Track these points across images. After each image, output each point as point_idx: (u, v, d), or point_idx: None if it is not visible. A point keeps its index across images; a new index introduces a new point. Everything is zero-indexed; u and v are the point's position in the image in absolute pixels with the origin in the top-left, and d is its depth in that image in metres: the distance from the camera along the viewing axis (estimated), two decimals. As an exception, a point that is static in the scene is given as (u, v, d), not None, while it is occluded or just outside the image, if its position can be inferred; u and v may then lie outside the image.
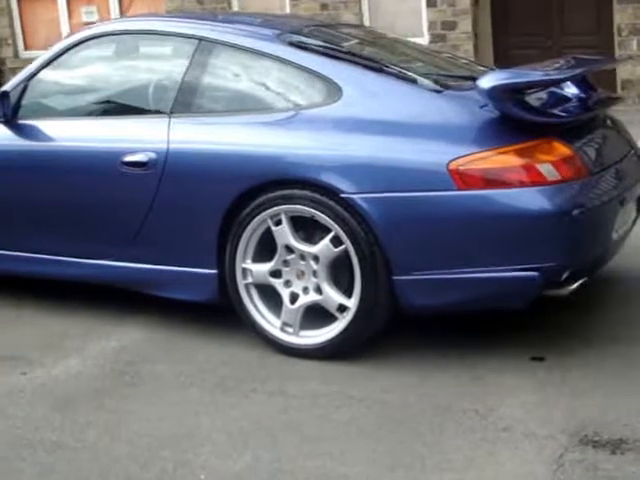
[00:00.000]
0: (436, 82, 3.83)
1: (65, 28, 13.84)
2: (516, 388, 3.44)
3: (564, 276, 3.55)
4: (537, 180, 3.43)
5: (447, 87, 3.80)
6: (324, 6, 12.85)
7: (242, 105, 3.98)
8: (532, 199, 3.42)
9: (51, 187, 4.29)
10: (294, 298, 3.77)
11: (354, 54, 4.04)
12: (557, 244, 3.47)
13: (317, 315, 3.75)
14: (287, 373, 3.66)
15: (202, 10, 12.99)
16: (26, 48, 14.43)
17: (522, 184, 3.43)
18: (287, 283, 3.78)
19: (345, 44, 4.24)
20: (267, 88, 3.98)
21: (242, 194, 3.75)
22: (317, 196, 3.61)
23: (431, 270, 3.54)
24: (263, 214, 3.73)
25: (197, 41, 4.10)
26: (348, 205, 3.56)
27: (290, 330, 3.79)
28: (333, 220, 3.60)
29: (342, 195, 3.57)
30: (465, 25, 11.96)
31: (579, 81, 4.23)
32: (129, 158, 4.01)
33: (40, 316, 4.44)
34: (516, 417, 3.21)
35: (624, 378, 3.47)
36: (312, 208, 3.63)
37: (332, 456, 2.99)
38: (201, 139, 3.93)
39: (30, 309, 4.55)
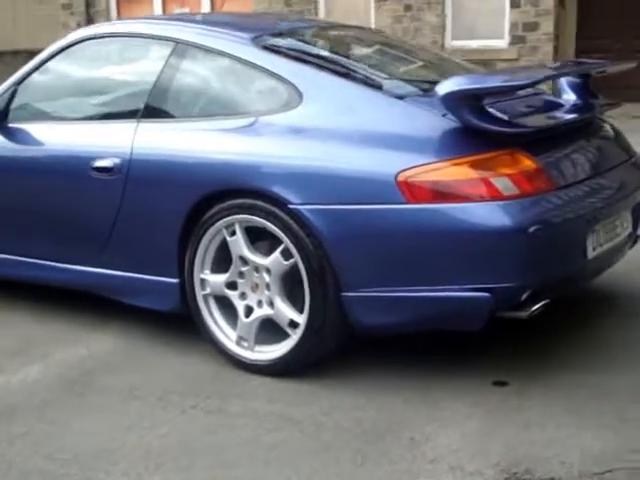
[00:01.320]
0: (407, 88, 3.65)
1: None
2: (465, 415, 3.23)
3: (523, 297, 3.30)
4: (491, 194, 3.21)
5: (418, 94, 3.61)
6: (408, 7, 12.64)
7: (207, 110, 3.87)
8: (484, 215, 3.19)
9: (31, 190, 4.28)
10: (249, 311, 3.64)
11: (325, 58, 3.88)
12: (511, 263, 3.23)
13: (276, 330, 3.61)
14: (236, 390, 3.53)
15: (289, 11, 12.99)
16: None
17: (474, 198, 3.21)
18: (242, 295, 3.65)
19: (324, 48, 4.09)
20: (234, 93, 3.86)
21: (199, 202, 3.64)
22: (268, 206, 3.47)
23: (380, 287, 3.35)
24: (218, 224, 3.62)
25: (174, 44, 4.02)
26: (296, 217, 3.40)
27: (245, 344, 3.66)
28: (283, 232, 3.46)
29: (290, 206, 3.41)
30: (547, 26, 11.58)
31: (578, 87, 3.97)
32: (97, 163, 3.96)
33: (14, 321, 4.43)
34: (451, 447, 3.01)
35: (584, 411, 3.22)
36: (263, 219, 3.50)
37: (240, 483, 2.86)
38: (162, 145, 3.83)
39: (5, 313, 4.54)
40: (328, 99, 3.59)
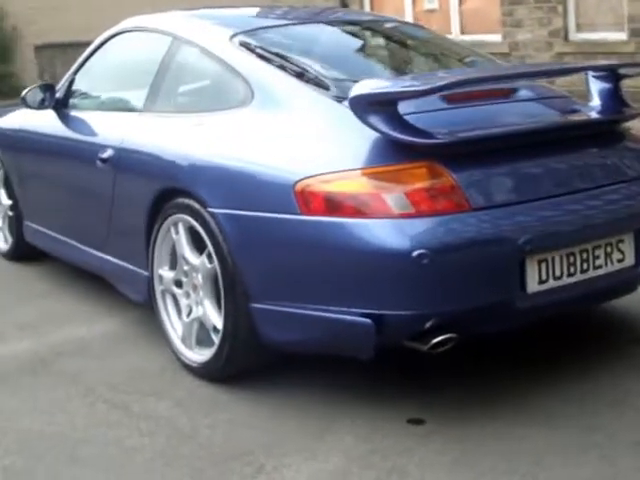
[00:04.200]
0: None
1: (409, 16, 14.03)
2: (329, 453, 2.96)
3: (425, 327, 2.96)
4: (380, 211, 2.91)
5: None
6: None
7: (179, 106, 3.94)
8: (368, 233, 2.90)
9: (62, 174, 4.53)
10: (190, 311, 3.59)
11: (290, 58, 3.69)
12: (402, 289, 2.91)
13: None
14: (162, 390, 3.49)
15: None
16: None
17: (365, 214, 2.93)
18: (187, 294, 3.60)
19: (302, 46, 3.89)
20: (203, 90, 3.87)
21: (156, 198, 3.65)
22: (196, 208, 3.40)
23: (279, 301, 3.16)
24: (167, 221, 3.61)
25: (172, 39, 4.04)
26: (215, 220, 3.30)
27: (187, 343, 3.62)
28: (206, 234, 3.37)
29: (209, 209, 3.32)
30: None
31: (607, 91, 3.50)
32: (100, 154, 4.08)
33: (44, 297, 4.70)
34: (290, 482, 2.79)
35: (460, 465, 2.84)
36: (193, 219, 3.43)
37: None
38: (140, 139, 3.88)
39: (40, 289, 4.84)
40: (271, 100, 3.44)
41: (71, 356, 3.89)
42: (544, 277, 3.09)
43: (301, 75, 3.50)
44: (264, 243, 3.17)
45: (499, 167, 3.11)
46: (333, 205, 2.97)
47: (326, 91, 3.38)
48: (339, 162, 3.05)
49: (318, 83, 3.44)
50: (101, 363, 3.79)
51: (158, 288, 3.74)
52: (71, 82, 4.69)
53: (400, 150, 3.01)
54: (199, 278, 3.46)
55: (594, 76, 3.66)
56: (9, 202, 5.27)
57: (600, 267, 3.24)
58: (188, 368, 3.59)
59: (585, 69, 3.76)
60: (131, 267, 3.94)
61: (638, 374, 3.41)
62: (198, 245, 3.47)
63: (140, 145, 3.83)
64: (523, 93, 3.62)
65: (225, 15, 4.32)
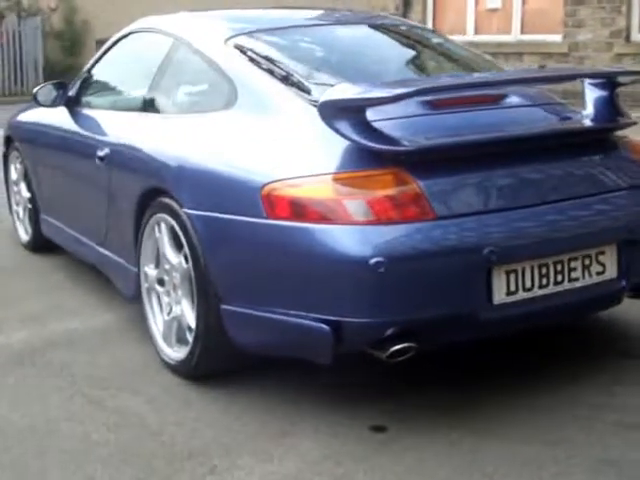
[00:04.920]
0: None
1: (470, 15, 13.92)
2: (281, 454, 2.97)
3: (385, 335, 2.95)
4: (341, 218, 2.91)
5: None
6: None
7: (174, 106, 3.97)
8: (327, 239, 2.91)
9: (70, 171, 4.61)
10: (171, 309, 3.63)
11: (278, 61, 3.68)
12: (358, 297, 2.90)
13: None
14: (139, 386, 3.52)
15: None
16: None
17: (324, 220, 2.93)
18: (168, 293, 3.64)
19: (296, 48, 3.89)
20: (194, 90, 3.89)
21: (141, 198, 3.71)
22: (175, 208, 3.44)
23: (246, 303, 3.18)
24: (152, 220, 3.65)
25: (173, 40, 4.08)
26: (190, 221, 3.34)
27: (168, 341, 3.66)
28: (183, 234, 3.40)
29: (184, 209, 3.36)
30: None
31: (600, 102, 3.45)
32: (99, 152, 4.16)
33: (58, 289, 4.82)
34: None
35: (413, 475, 2.83)
36: (172, 219, 3.47)
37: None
38: (132, 139, 3.94)
39: (56, 282, 4.94)
40: (252, 103, 3.47)
41: (62, 349, 3.96)
42: (512, 288, 3.05)
43: (286, 79, 3.50)
44: (232, 245, 3.20)
45: (469, 175, 3.07)
46: (297, 210, 2.98)
47: (307, 95, 3.38)
48: (306, 167, 3.05)
49: (301, 87, 3.45)
50: (89, 357, 3.86)
51: (144, 285, 3.79)
52: (84, 80, 4.78)
53: (368, 157, 3.00)
54: (178, 277, 3.50)
55: (590, 83, 3.59)
56: (28, 195, 5.40)
57: (577, 279, 3.19)
58: (167, 366, 3.63)
59: (579, 76, 3.69)
60: (123, 263, 4.01)
61: (619, 388, 3.35)
62: (178, 245, 3.50)
63: (131, 145, 3.89)
64: (513, 100, 3.56)
65: (230, 16, 4.32)
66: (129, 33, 4.58)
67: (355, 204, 2.90)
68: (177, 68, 4.01)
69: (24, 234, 5.62)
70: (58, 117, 4.77)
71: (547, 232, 3.11)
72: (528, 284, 3.08)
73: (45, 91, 4.74)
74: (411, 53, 4.21)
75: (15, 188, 5.67)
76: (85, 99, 4.72)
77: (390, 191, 2.93)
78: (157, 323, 3.73)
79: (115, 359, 3.82)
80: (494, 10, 13.41)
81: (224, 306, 3.24)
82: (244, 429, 3.16)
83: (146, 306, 3.79)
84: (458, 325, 3.01)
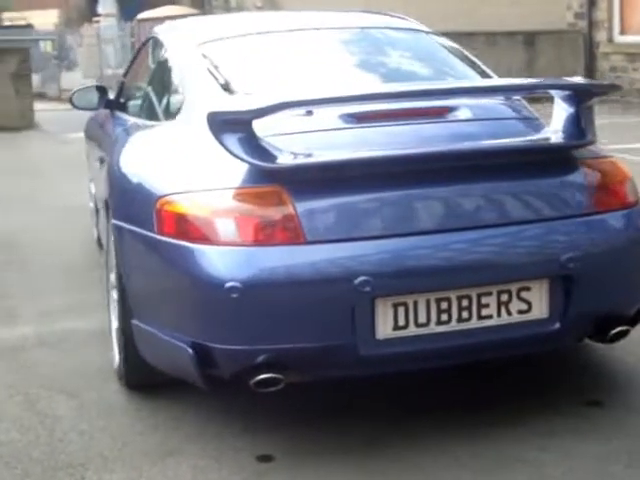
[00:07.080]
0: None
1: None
2: (153, 475, 2.92)
3: (255, 363, 2.82)
4: (210, 237, 2.82)
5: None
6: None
7: (144, 112, 3.99)
8: (193, 259, 2.83)
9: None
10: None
11: (233, 69, 3.63)
12: (219, 322, 2.81)
13: None
14: (78, 390, 3.57)
15: None
16: (621, 32, 13.98)
17: (198, 239, 2.84)
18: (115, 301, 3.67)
19: (262, 54, 3.79)
20: (161, 97, 3.87)
21: (105, 205, 3.76)
22: (110, 216, 3.48)
23: (143, 319, 3.15)
24: (109, 227, 3.69)
25: (164, 47, 4.11)
26: (113, 229, 3.36)
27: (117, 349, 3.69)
28: (113, 243, 3.43)
29: (111, 219, 3.38)
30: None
31: (564, 118, 3.16)
32: (101, 155, 4.28)
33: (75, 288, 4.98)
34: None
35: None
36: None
37: None
38: (116, 145, 3.98)
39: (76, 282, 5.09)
40: (187, 113, 3.43)
41: (45, 348, 4.09)
42: (402, 323, 2.82)
43: (226, 88, 3.42)
44: (134, 258, 3.18)
45: (355, 198, 2.86)
46: (179, 227, 2.91)
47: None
48: (195, 182, 2.98)
49: (233, 92, 3.36)
50: (59, 358, 3.95)
51: (111, 291, 3.84)
52: (121, 84, 4.90)
53: (255, 173, 2.88)
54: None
55: (559, 96, 3.25)
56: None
57: (489, 317, 2.90)
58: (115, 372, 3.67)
59: (541, 87, 3.36)
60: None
61: (572, 437, 3.02)
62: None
63: (112, 151, 3.95)
64: (461, 113, 3.26)
65: (222, 21, 4.30)
66: (147, 39, 4.63)
67: (224, 223, 2.80)
68: (161, 75, 4.04)
69: (96, 230, 5.83)
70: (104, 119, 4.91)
71: (446, 263, 2.85)
72: (422, 319, 2.83)
73: (84, 93, 4.87)
74: (375, 60, 3.92)
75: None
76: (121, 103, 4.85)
77: (262, 211, 2.80)
78: (112, 330, 3.77)
79: (79, 362, 3.89)
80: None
81: (133, 321, 3.21)
82: (136, 443, 3.13)
83: (110, 311, 3.84)
84: (334, 359, 2.82)
